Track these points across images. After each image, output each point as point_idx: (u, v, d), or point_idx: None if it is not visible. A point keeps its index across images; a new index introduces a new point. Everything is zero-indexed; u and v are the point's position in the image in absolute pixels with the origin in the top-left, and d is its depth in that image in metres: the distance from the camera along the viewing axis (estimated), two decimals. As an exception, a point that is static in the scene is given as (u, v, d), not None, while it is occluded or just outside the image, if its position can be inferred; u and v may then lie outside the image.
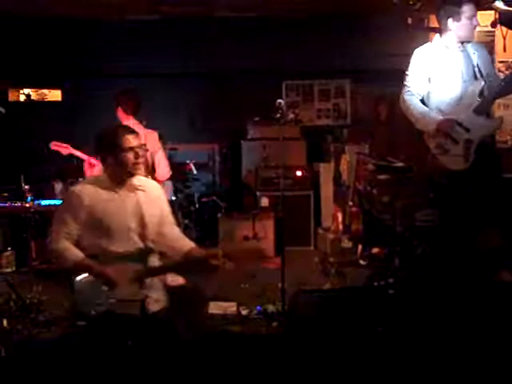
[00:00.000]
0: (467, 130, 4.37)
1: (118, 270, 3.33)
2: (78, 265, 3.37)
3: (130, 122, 5.51)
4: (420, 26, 6.11)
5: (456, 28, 4.38)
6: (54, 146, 5.88)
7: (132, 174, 3.53)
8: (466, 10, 4.30)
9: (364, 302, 4.78)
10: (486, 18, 5.21)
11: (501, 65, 7.76)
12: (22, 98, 7.52)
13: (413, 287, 4.75)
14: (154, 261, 3.58)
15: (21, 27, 7.63)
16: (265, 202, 7.30)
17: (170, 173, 5.99)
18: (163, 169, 5.81)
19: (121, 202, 3.51)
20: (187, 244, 3.67)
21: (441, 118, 4.47)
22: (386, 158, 5.88)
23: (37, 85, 7.84)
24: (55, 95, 8.08)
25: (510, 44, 5.28)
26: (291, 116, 7.88)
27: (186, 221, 7.52)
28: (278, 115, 4.99)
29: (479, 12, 5.82)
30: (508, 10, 4.15)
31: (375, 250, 5.96)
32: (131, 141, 3.54)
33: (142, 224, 3.53)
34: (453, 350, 3.94)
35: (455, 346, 3.98)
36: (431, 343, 4.06)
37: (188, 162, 7.57)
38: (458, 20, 4.35)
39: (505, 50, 5.08)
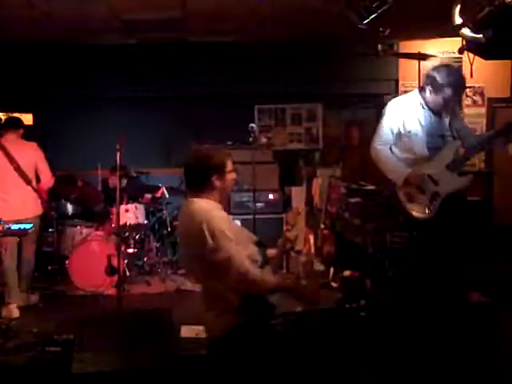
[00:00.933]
0: (435, 184, 4.49)
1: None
2: (279, 286, 3.41)
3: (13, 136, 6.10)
4: (390, 52, 6.21)
5: (426, 96, 4.56)
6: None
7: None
8: (446, 91, 4.47)
9: (335, 324, 4.79)
10: (453, 44, 5.32)
11: (468, 90, 7.95)
12: (-3, 121, 7.46)
13: (384, 309, 4.77)
14: None
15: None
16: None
17: (53, 179, 6.34)
18: (47, 176, 6.26)
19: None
20: None
21: (409, 171, 4.58)
22: (358, 181, 5.93)
23: (8, 109, 7.79)
24: (26, 119, 8.03)
25: (476, 70, 5.38)
26: (263, 140, 7.93)
27: (158, 244, 7.50)
28: (251, 139, 5.03)
29: (447, 39, 5.96)
30: (474, 38, 4.24)
31: (347, 273, 5.97)
32: (231, 163, 3.55)
33: None
34: (424, 372, 3.97)
35: (426, 367, 4.00)
36: (403, 365, 4.08)
37: (160, 185, 7.56)
38: (427, 92, 4.54)
39: (472, 76, 5.18)
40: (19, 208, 5.94)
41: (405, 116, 4.64)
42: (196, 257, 3.36)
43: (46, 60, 7.91)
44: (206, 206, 3.39)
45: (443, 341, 4.17)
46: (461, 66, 6.25)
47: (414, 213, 4.60)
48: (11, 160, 6.00)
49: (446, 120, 4.64)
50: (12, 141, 6.12)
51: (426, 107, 4.61)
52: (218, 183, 3.45)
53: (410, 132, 4.60)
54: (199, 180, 3.44)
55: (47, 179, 6.26)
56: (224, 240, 3.24)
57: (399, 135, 4.67)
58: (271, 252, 3.73)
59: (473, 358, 4.00)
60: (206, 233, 3.23)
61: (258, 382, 3.50)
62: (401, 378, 4.02)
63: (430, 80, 4.53)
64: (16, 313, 5.83)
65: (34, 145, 6.26)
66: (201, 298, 3.57)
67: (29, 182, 6.07)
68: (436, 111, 4.60)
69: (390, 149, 4.72)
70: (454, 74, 4.52)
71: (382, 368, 4.12)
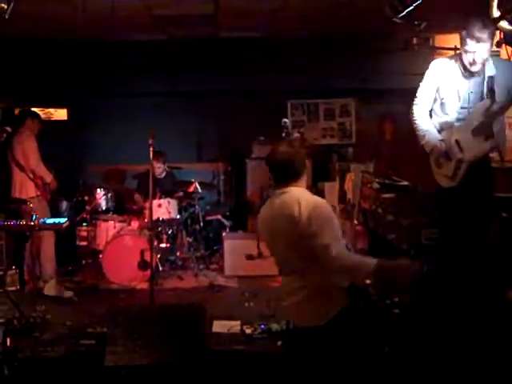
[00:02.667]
0: (461, 150, 4.40)
1: None
2: (380, 268, 3.33)
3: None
4: (425, 45, 6.13)
5: (462, 54, 4.38)
6: None
7: None
8: (469, 43, 4.28)
9: (369, 321, 4.75)
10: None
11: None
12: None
13: (418, 306, 4.72)
14: None
15: (29, 48, 7.70)
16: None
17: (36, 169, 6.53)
18: (39, 166, 6.56)
19: None
20: None
21: (437, 140, 4.50)
22: (391, 176, 5.87)
23: (43, 104, 7.89)
24: (61, 114, 8.13)
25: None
26: (296, 135, 7.89)
27: (191, 239, 7.52)
28: (284, 134, 5.01)
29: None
30: (513, 30, 4.15)
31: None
32: None
33: None
34: (459, 369, 3.91)
35: (462, 364, 3.95)
36: (437, 362, 4.03)
37: (193, 180, 7.58)
38: (464, 50, 4.35)
39: (510, 69, 5.08)
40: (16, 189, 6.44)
41: (441, 81, 4.51)
42: (296, 244, 3.37)
43: (79, 56, 7.98)
44: (308, 194, 3.47)
45: (479, 340, 4.11)
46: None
47: (440, 181, 4.54)
48: (12, 153, 6.49)
49: (488, 80, 4.39)
50: (17, 136, 6.49)
51: (465, 73, 4.45)
52: (305, 176, 3.57)
53: (443, 98, 4.51)
54: (296, 172, 3.51)
55: (34, 168, 6.50)
56: (327, 227, 3.27)
57: (434, 100, 4.59)
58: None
59: (508, 356, 3.93)
60: (308, 218, 3.27)
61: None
62: (435, 376, 3.97)
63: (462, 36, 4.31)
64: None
65: (29, 139, 6.53)
66: (289, 291, 3.55)
67: (22, 169, 6.45)
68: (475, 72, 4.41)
69: (430, 113, 4.63)
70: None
71: (415, 365, 4.08)
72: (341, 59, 8.14)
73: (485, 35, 4.18)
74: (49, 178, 6.58)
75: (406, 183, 5.66)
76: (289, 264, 3.57)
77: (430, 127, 4.58)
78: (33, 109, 6.99)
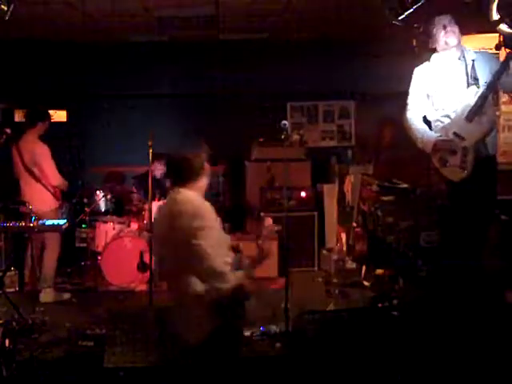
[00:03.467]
0: (463, 139, 4.45)
1: None
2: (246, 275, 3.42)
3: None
4: (425, 47, 6.13)
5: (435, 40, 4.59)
6: None
7: None
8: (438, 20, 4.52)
9: (367, 324, 4.75)
10: (490, 40, 5.22)
11: (505, 87, 7.80)
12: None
13: (417, 309, 4.72)
14: None
15: (28, 49, 7.70)
16: (269, 222, 7.26)
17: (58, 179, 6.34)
18: (55, 175, 6.29)
19: None
20: None
21: (435, 138, 4.56)
22: (390, 179, 5.88)
23: (43, 105, 7.88)
24: (61, 116, 8.12)
25: (513, 66, 5.28)
26: (296, 137, 7.90)
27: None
28: (283, 136, 5.01)
29: (484, 35, 5.88)
30: (512, 33, 4.16)
31: (379, 271, 5.93)
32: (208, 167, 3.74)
33: None
34: (459, 371, 3.91)
35: (460, 367, 3.95)
36: (436, 365, 4.03)
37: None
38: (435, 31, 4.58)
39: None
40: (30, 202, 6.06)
41: (429, 79, 4.68)
42: (176, 246, 3.34)
43: (79, 58, 7.97)
44: (198, 199, 3.51)
45: (478, 343, 4.11)
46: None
47: (450, 176, 4.54)
48: (22, 160, 6.18)
49: (469, 67, 4.56)
50: (26, 139, 6.26)
51: (445, 61, 4.60)
52: (202, 179, 3.67)
53: (432, 96, 4.64)
54: (190, 174, 3.61)
55: (50, 178, 6.26)
56: (205, 234, 3.26)
57: (427, 98, 4.69)
58: (245, 258, 3.68)
59: (509, 359, 3.93)
60: (188, 222, 3.30)
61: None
62: (433, 378, 3.97)
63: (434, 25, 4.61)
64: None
65: (39, 144, 6.27)
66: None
67: (38, 180, 6.18)
68: (461, 55, 4.57)
69: (425, 118, 4.70)
70: None
71: (413, 368, 4.08)
72: (341, 61, 8.14)
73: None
74: (64, 185, 6.45)
75: (405, 186, 5.67)
76: (168, 266, 3.54)
77: (425, 130, 4.65)
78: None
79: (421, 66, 4.79)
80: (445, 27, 4.50)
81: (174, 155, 3.75)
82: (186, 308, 3.37)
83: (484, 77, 4.47)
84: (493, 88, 4.48)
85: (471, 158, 4.42)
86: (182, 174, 3.60)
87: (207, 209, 3.44)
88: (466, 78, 4.51)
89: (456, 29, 4.53)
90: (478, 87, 4.44)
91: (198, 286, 3.27)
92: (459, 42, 4.58)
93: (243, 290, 3.34)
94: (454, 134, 4.48)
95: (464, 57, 4.56)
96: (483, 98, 4.39)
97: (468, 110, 4.43)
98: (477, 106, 4.40)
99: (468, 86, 4.49)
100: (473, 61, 4.51)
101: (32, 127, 6.30)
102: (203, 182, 3.66)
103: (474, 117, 4.41)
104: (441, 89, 4.61)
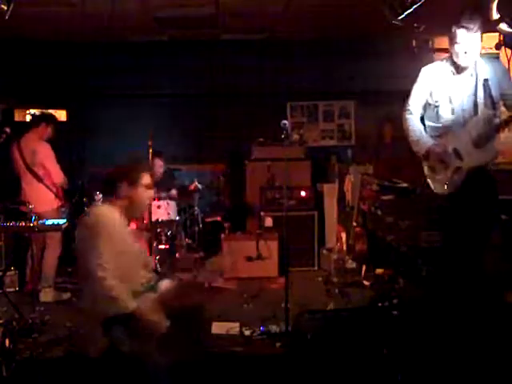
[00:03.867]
0: (461, 159, 4.33)
1: None
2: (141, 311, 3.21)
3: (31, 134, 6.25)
4: (424, 47, 6.13)
5: (453, 49, 4.33)
6: None
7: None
8: (459, 34, 4.19)
9: (367, 323, 4.75)
10: (490, 40, 5.20)
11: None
12: (28, 118, 7.55)
13: (417, 308, 4.72)
14: None
15: (28, 49, 7.70)
16: (269, 222, 7.27)
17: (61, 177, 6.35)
18: (58, 174, 6.27)
19: None
20: None
21: (431, 143, 4.43)
22: (391, 178, 5.88)
23: (43, 105, 7.89)
24: (60, 115, 8.12)
25: (513, 65, 5.27)
26: (296, 137, 7.90)
27: (190, 241, 7.52)
28: (283, 136, 5.01)
29: (484, 34, 5.83)
30: (512, 32, 4.15)
31: (379, 271, 5.94)
32: (149, 180, 3.53)
33: None
34: (458, 372, 3.91)
35: (460, 367, 3.95)
36: (435, 364, 4.03)
37: (194, 179, 7.57)
38: (454, 43, 4.30)
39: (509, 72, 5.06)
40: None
41: (433, 86, 4.46)
42: (79, 258, 3.34)
43: (79, 57, 7.98)
44: (106, 215, 3.33)
45: (478, 342, 4.11)
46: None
47: (435, 187, 4.47)
48: (23, 159, 6.17)
49: (481, 87, 4.33)
50: (27, 138, 6.25)
51: (456, 70, 4.38)
52: (126, 191, 3.41)
53: (436, 102, 4.46)
54: (108, 184, 3.48)
55: (54, 177, 6.27)
56: (99, 258, 3.14)
57: (427, 105, 4.53)
58: (165, 284, 3.61)
59: (508, 359, 3.93)
60: (86, 234, 3.24)
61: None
62: (433, 378, 3.97)
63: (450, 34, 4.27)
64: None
65: (41, 143, 6.26)
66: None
67: (40, 180, 6.18)
68: (473, 67, 4.32)
69: (422, 119, 4.58)
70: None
71: (413, 367, 4.07)
72: (340, 61, 8.15)
73: (473, 25, 4.13)
74: (66, 184, 6.46)
75: (405, 185, 5.66)
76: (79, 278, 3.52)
77: (422, 133, 4.52)
78: (32, 110, 6.98)
79: (429, 66, 4.57)
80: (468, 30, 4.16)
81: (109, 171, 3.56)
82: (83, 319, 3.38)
83: (496, 93, 4.28)
84: (508, 125, 4.26)
85: (459, 179, 4.32)
86: (104, 188, 3.53)
87: (108, 226, 3.26)
88: (474, 90, 4.32)
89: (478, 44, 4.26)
90: (494, 113, 4.26)
91: (89, 302, 3.24)
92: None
93: (143, 317, 3.18)
94: (454, 150, 4.36)
95: (476, 74, 4.34)
96: (495, 130, 4.24)
97: (477, 135, 4.27)
98: (487, 135, 4.25)
99: (475, 100, 4.31)
100: (485, 80, 4.30)
101: (35, 127, 6.30)
102: (130, 195, 3.43)
103: (481, 144, 4.27)
104: (446, 95, 4.41)
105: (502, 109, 4.34)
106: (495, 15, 4.02)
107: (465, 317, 4.25)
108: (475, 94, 4.33)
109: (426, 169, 4.54)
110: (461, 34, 4.18)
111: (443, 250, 4.69)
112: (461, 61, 4.28)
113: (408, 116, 4.58)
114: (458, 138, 4.36)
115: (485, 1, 4.18)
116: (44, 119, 6.39)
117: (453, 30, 4.22)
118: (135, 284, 3.32)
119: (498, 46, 4.57)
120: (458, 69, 4.35)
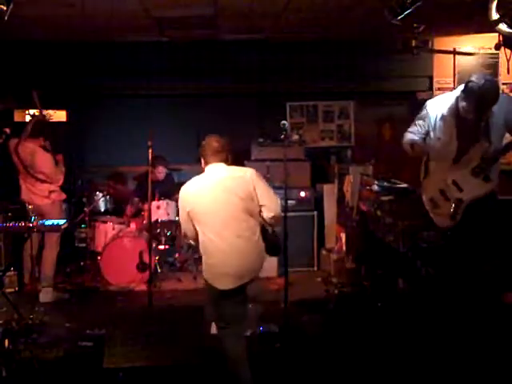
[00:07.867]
0: (460, 190, 4.35)
1: None
2: None
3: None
4: (424, 48, 6.13)
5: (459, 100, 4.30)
6: None
7: None
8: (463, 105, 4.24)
9: (367, 323, 4.76)
10: (489, 40, 5.20)
11: (505, 87, 7.81)
12: (28, 118, 7.54)
13: (417, 309, 4.72)
14: None
15: (28, 50, 7.68)
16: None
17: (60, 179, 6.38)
18: (59, 179, 6.37)
19: None
20: None
21: (420, 143, 4.47)
22: (390, 179, 5.88)
23: (43, 105, 7.89)
24: (60, 116, 8.11)
25: (513, 66, 5.26)
26: (295, 137, 7.90)
27: (189, 241, 7.51)
28: (282, 136, 5.01)
29: (483, 35, 5.85)
30: (511, 33, 4.14)
31: (379, 271, 5.94)
32: None
33: None
34: (458, 371, 3.92)
35: (460, 366, 3.95)
36: (435, 364, 4.03)
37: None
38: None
39: (508, 73, 5.03)
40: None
41: (437, 120, 4.44)
42: None
43: (79, 57, 7.97)
44: None
45: (477, 342, 4.12)
46: (497, 63, 6.11)
47: (438, 221, 4.50)
48: (22, 163, 6.23)
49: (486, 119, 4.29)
50: (25, 147, 6.27)
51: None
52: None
53: (439, 139, 4.44)
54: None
55: (54, 182, 6.31)
56: None
57: (429, 138, 4.52)
58: None
59: (506, 359, 3.94)
60: None
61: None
62: (433, 378, 3.98)
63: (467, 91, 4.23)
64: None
65: (39, 152, 6.29)
66: None
67: (40, 180, 6.23)
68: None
69: (424, 139, 4.56)
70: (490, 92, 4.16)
71: (413, 367, 4.08)
72: (340, 61, 8.13)
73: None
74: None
75: (404, 186, 5.67)
76: None
77: (414, 138, 4.54)
78: (32, 110, 6.98)
79: (435, 99, 4.60)
80: None
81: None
82: None
83: (496, 133, 4.29)
84: (502, 155, 4.32)
85: (461, 211, 4.34)
86: None
87: None
88: (477, 132, 4.29)
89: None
90: (489, 145, 4.26)
91: None
92: None
93: None
94: (453, 182, 4.38)
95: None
96: (491, 161, 4.26)
97: (475, 165, 4.28)
98: (485, 166, 4.26)
99: (478, 140, 4.29)
100: (486, 119, 4.28)
101: (34, 137, 6.36)
102: None
103: (479, 175, 4.28)
104: (450, 131, 4.39)
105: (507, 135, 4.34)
106: (494, 15, 4.02)
107: (464, 317, 4.26)
108: (480, 128, 4.30)
109: (427, 203, 4.55)
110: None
111: (442, 249, 4.69)
112: (464, 115, 4.29)
113: (407, 135, 4.59)
114: (457, 169, 4.38)
115: (484, 0, 4.18)
116: (42, 133, 6.45)
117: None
118: None
119: (497, 46, 4.58)
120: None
